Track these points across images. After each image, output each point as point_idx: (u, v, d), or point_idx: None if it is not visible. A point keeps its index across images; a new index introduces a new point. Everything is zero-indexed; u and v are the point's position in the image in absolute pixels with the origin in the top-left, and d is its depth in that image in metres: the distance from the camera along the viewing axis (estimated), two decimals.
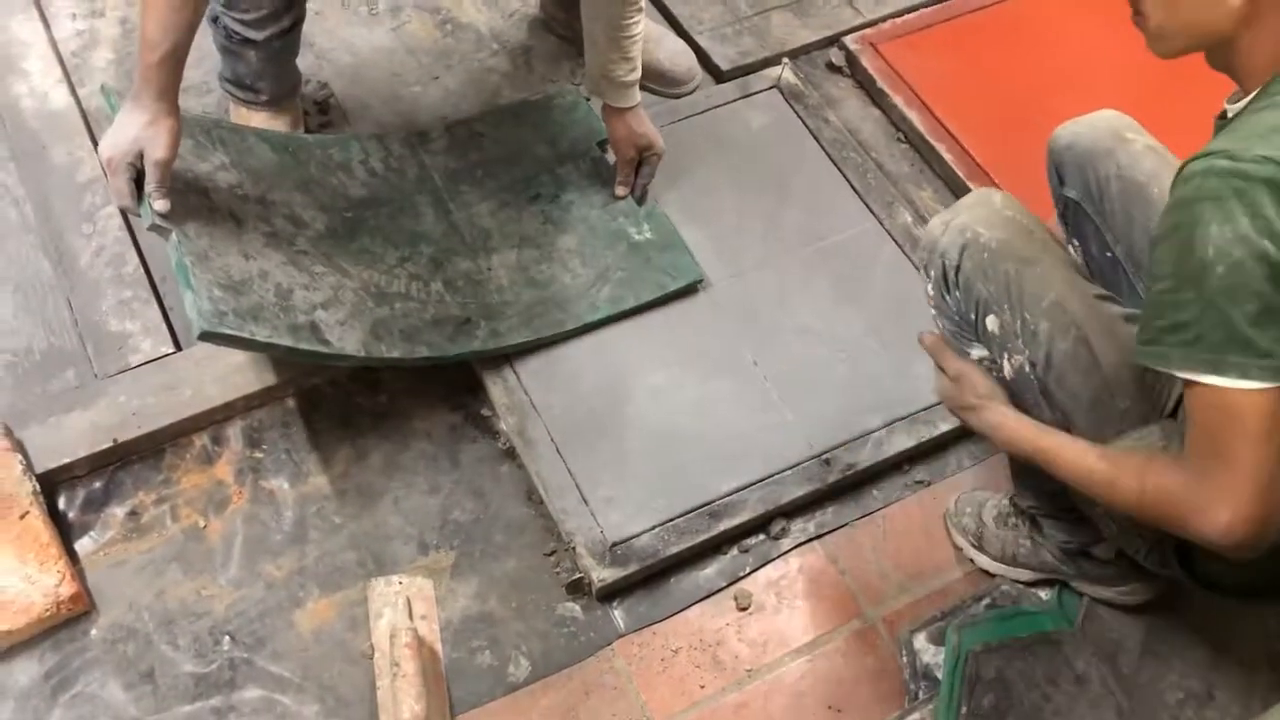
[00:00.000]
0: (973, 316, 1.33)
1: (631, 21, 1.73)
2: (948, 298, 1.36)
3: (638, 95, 1.82)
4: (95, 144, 1.91)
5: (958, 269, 1.32)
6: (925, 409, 1.73)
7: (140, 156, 1.48)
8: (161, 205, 1.51)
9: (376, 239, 1.76)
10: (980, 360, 1.35)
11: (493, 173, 1.90)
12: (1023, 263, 1.30)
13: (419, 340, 1.66)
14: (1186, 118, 2.10)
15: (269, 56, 1.84)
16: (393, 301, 1.69)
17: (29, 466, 1.56)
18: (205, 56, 1.93)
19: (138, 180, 1.51)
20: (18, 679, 1.47)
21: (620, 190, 1.90)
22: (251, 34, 1.79)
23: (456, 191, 1.87)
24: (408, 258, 1.76)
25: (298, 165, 1.80)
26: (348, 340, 1.59)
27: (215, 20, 1.80)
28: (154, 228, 1.52)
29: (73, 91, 1.99)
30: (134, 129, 1.48)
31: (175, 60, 1.48)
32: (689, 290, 1.82)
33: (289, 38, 1.86)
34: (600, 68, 1.78)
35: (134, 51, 2.07)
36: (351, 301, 1.65)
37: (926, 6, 2.26)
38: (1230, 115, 1.14)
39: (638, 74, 1.79)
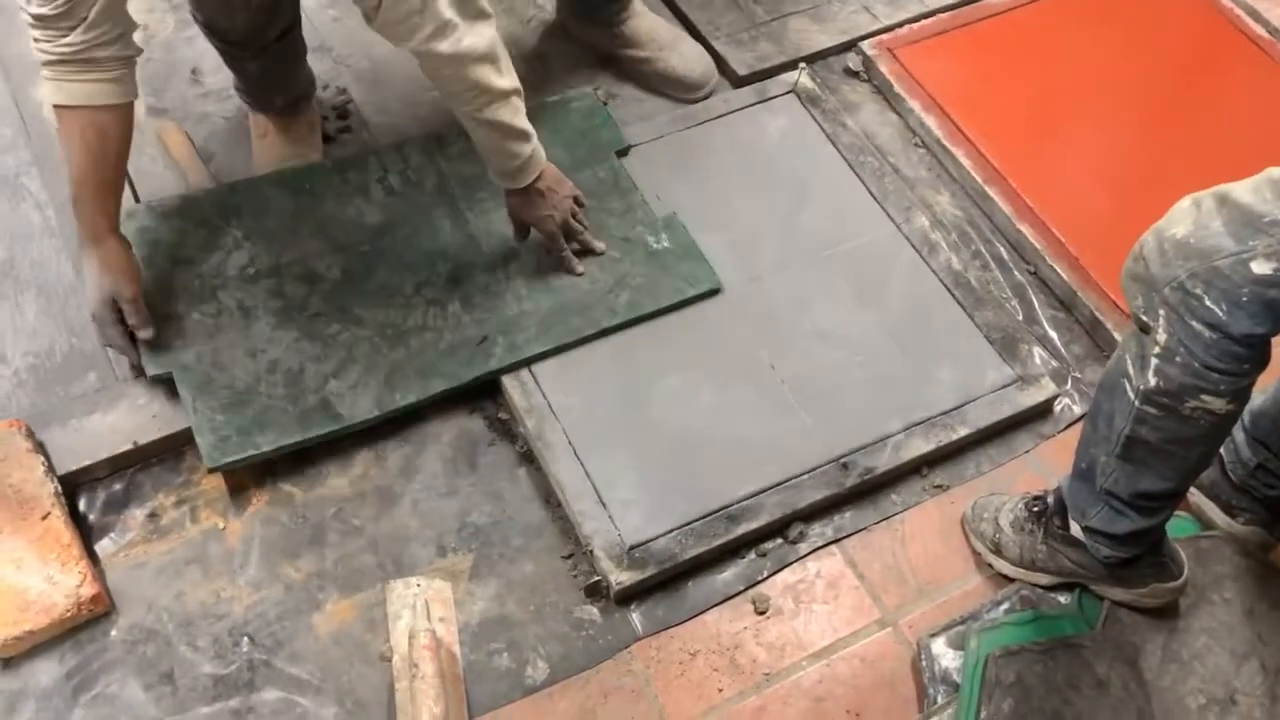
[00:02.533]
0: None
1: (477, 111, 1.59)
2: None
3: (531, 173, 1.68)
4: None
5: None
6: (944, 413, 1.72)
7: (115, 302, 1.57)
8: (146, 334, 1.60)
9: (394, 270, 1.79)
10: None
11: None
12: None
13: (435, 374, 1.69)
14: (1202, 121, 2.10)
15: (268, 66, 1.85)
16: (408, 339, 1.71)
17: (50, 468, 1.57)
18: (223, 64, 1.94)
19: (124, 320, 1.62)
20: (39, 679, 1.47)
21: (580, 268, 1.79)
22: (238, 52, 1.81)
23: (474, 200, 1.88)
24: (425, 282, 1.78)
25: (315, 203, 1.84)
26: (360, 404, 1.65)
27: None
28: (155, 378, 1.64)
29: None
30: (94, 279, 1.58)
31: (100, 198, 1.53)
32: (707, 295, 1.82)
33: (283, 45, 1.84)
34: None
35: (154, 58, 2.09)
36: (365, 355, 1.69)
37: (943, 12, 2.26)
38: None
39: (518, 159, 1.66)
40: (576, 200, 1.79)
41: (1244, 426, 1.58)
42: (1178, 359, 1.22)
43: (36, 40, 1.43)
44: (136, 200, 1.85)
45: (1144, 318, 1.24)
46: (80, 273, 1.58)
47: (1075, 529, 1.50)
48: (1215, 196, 1.19)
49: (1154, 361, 1.24)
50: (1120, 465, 1.36)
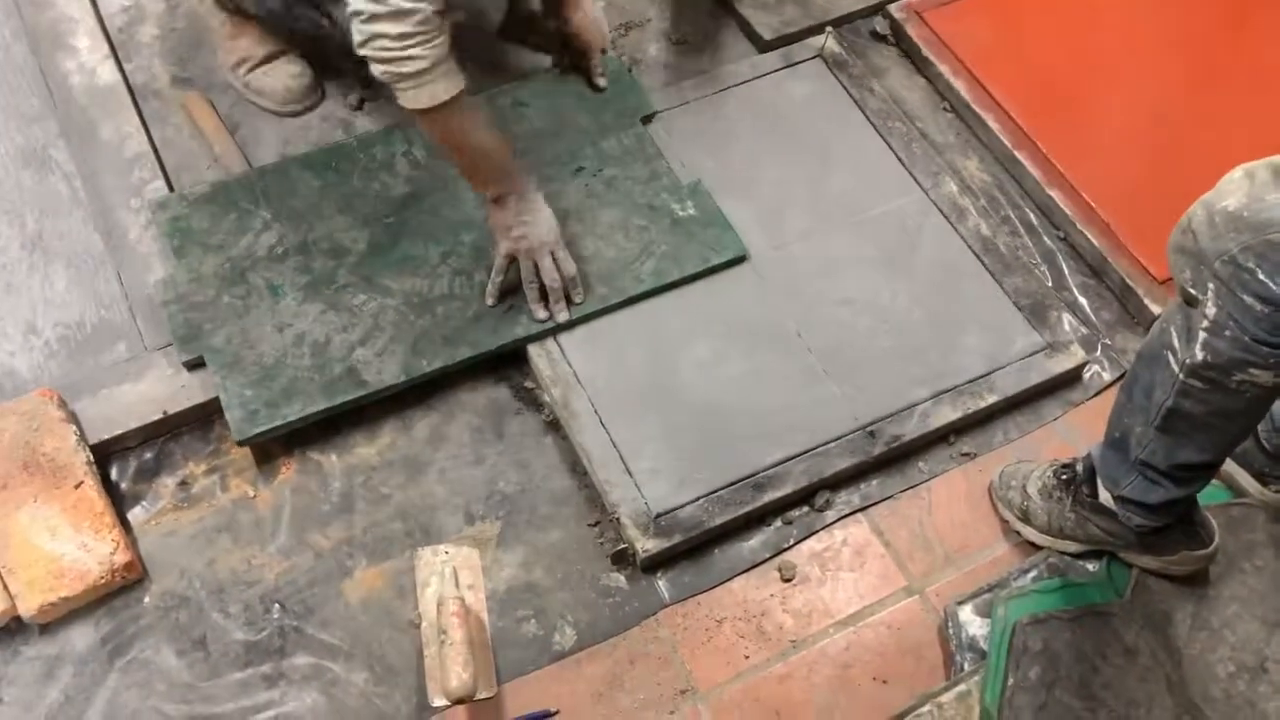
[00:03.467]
0: None
1: None
2: None
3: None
4: (142, 119, 1.94)
5: None
6: (971, 381, 1.71)
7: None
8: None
9: (418, 240, 1.79)
10: None
11: (535, 146, 1.90)
12: None
13: (462, 342, 1.70)
14: (1238, 84, 2.06)
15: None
16: (435, 307, 1.72)
17: (82, 437, 1.59)
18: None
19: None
20: (75, 644, 1.50)
21: (603, 81, 1.96)
22: None
23: None
24: (450, 252, 1.78)
25: (341, 180, 1.85)
26: (387, 371, 1.66)
27: None
28: (187, 362, 1.67)
29: (120, 67, 2.01)
30: (549, 221, 1.69)
31: (515, 161, 1.67)
32: (733, 263, 1.81)
33: None
34: None
35: (178, 27, 2.10)
36: (392, 323, 1.70)
37: None
38: None
39: None
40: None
41: None
42: (1227, 333, 1.19)
43: (413, 51, 1.45)
44: (170, 187, 1.86)
45: (1191, 290, 1.21)
46: (520, 216, 1.67)
47: (1105, 497, 1.49)
48: (1270, 168, 1.16)
49: (1201, 335, 1.22)
50: (1159, 437, 1.35)
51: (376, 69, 1.48)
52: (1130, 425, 1.38)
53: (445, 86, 1.50)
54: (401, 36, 1.44)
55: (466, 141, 1.60)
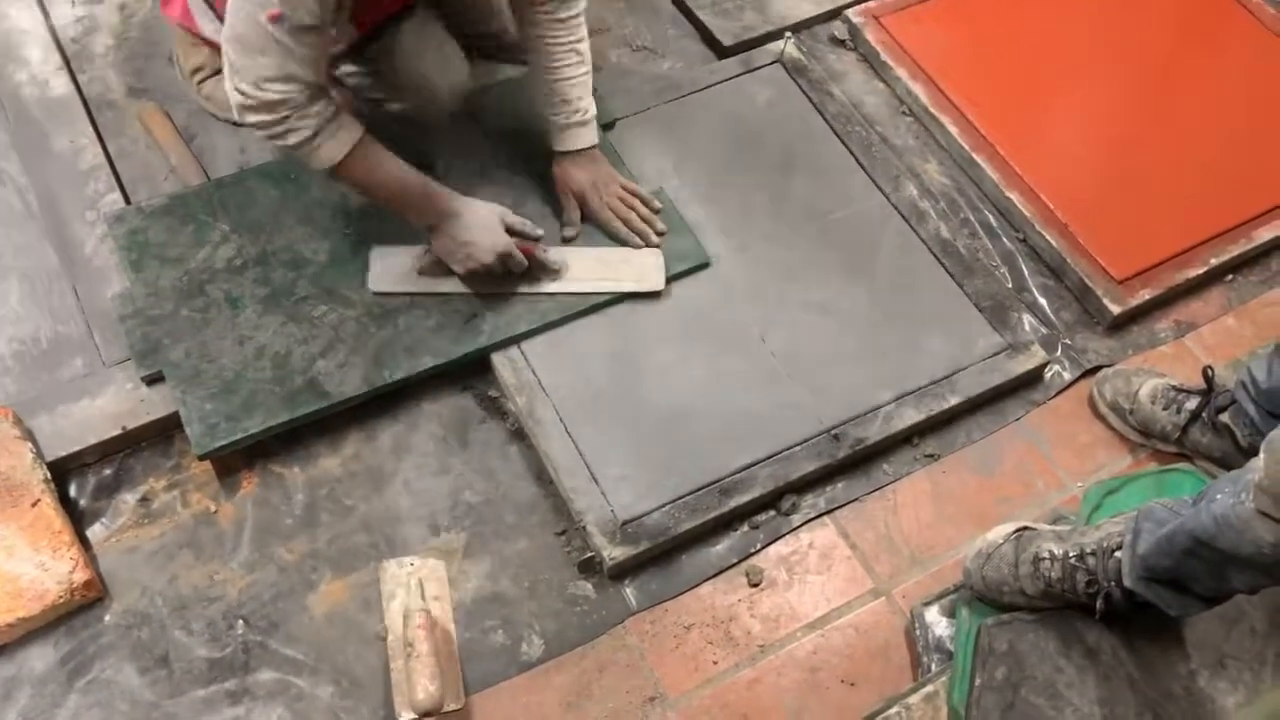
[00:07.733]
0: None
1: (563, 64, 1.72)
2: None
3: (589, 138, 1.78)
4: (97, 131, 1.91)
5: None
6: (934, 382, 1.73)
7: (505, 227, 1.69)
8: (571, 232, 1.80)
9: None
10: None
11: (496, 156, 1.89)
12: None
13: (423, 352, 1.69)
14: (1192, 87, 2.09)
15: None
16: (396, 318, 1.71)
17: (39, 455, 1.57)
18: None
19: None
20: (34, 665, 1.47)
21: (569, 231, 1.81)
22: None
23: (460, 180, 1.86)
24: None
25: (300, 191, 1.83)
26: (348, 382, 1.65)
27: None
28: (146, 377, 1.64)
29: (73, 79, 1.98)
30: (484, 222, 1.67)
31: (431, 182, 1.65)
32: (695, 269, 1.81)
33: None
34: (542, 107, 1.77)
35: (132, 37, 2.07)
36: (353, 334, 1.69)
37: None
38: None
39: (583, 116, 1.76)
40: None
41: (1258, 404, 1.58)
42: None
43: (291, 124, 1.48)
44: (126, 199, 1.84)
45: None
46: (459, 239, 1.67)
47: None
48: None
49: None
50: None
51: (267, 142, 1.52)
52: (1191, 577, 1.33)
53: (338, 144, 1.53)
54: (277, 121, 1.48)
55: (378, 185, 1.61)
